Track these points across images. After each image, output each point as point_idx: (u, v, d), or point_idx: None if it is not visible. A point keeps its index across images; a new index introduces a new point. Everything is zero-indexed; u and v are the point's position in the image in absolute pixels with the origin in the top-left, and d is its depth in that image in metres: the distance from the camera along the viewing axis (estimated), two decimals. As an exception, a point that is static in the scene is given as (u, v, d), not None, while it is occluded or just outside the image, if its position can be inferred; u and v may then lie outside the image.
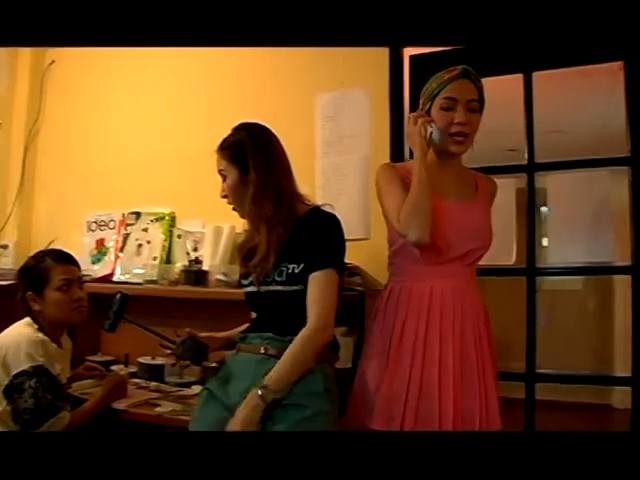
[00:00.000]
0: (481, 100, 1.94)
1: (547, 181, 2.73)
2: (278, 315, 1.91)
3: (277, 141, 2.02)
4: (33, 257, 2.36)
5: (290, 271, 1.87)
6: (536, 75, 2.57)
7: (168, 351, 2.06)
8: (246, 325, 2.06)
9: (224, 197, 2.01)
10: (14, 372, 2.09)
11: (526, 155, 2.58)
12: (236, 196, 1.97)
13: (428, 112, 1.95)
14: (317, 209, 1.96)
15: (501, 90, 2.67)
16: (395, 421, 1.83)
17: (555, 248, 2.72)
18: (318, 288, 1.82)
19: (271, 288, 1.90)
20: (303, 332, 1.79)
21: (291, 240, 1.90)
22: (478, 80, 1.94)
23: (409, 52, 2.70)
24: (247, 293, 2.02)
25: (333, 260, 1.88)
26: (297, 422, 1.74)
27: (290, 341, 1.81)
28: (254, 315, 2.07)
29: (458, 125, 1.88)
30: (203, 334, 2.05)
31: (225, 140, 2.00)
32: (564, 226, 2.72)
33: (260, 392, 1.71)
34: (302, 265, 1.86)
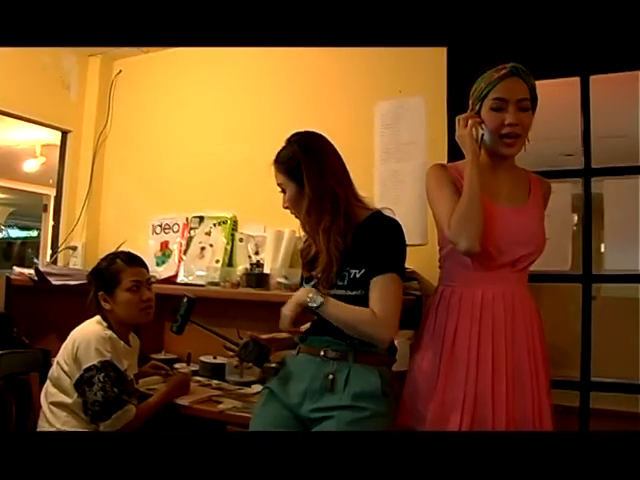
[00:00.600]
0: (533, 98, 1.89)
1: (603, 186, 2.70)
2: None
3: (331, 148, 2.02)
4: (104, 259, 2.47)
5: (352, 276, 1.89)
6: (594, 79, 2.53)
7: (231, 353, 2.13)
8: (307, 326, 2.09)
9: (286, 208, 2.04)
10: (84, 366, 2.20)
11: (583, 160, 2.55)
12: (296, 208, 2.00)
13: (478, 113, 1.91)
14: (378, 213, 1.95)
15: (559, 94, 2.67)
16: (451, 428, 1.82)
17: (612, 254, 2.70)
18: (380, 291, 1.83)
19: (332, 292, 1.90)
20: (370, 310, 1.83)
21: (352, 245, 1.91)
22: (529, 77, 1.89)
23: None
24: None
25: (394, 265, 1.88)
26: (354, 422, 1.79)
27: (349, 344, 1.87)
28: (314, 317, 2.10)
29: (509, 126, 1.83)
30: (265, 336, 2.11)
31: (279, 154, 2.02)
32: (621, 232, 2.70)
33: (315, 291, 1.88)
34: (363, 270, 1.87)
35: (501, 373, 1.81)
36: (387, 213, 1.96)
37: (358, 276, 1.88)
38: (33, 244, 9.43)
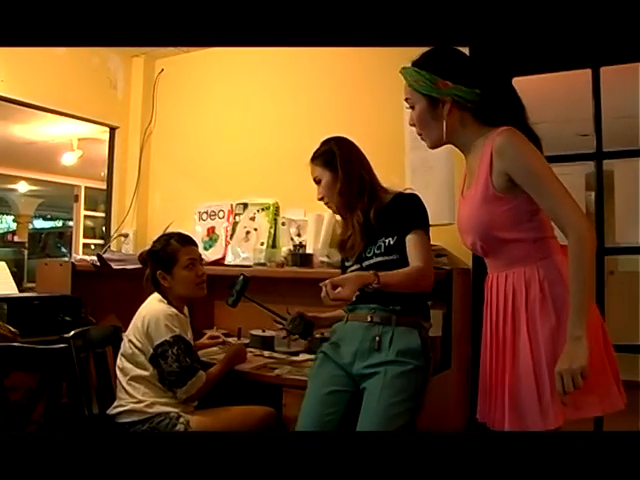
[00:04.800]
0: (423, 89, 1.85)
1: (614, 164, 2.90)
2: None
3: (357, 148, 2.40)
4: (158, 241, 2.69)
5: (387, 244, 2.23)
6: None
7: (280, 326, 2.42)
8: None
9: (320, 199, 2.42)
10: (157, 342, 2.44)
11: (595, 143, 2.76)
12: (330, 193, 2.37)
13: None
14: (400, 193, 2.33)
15: (573, 79, 2.88)
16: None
17: (623, 230, 2.91)
18: (415, 247, 2.17)
19: (372, 261, 2.24)
20: (412, 265, 2.14)
21: (382, 220, 2.25)
22: (410, 76, 1.89)
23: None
24: (352, 272, 2.28)
25: (421, 223, 2.22)
26: (399, 375, 2.08)
27: (392, 310, 2.17)
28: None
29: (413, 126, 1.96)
30: (310, 313, 2.40)
31: (317, 151, 2.41)
32: (632, 208, 2.91)
33: (373, 272, 2.06)
34: (396, 237, 2.22)
35: (486, 355, 1.90)
36: (407, 192, 2.34)
37: (392, 243, 2.22)
38: (60, 234, 9.76)
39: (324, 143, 2.42)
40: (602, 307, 2.46)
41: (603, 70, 2.77)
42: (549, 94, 3.25)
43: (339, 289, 1.98)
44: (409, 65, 1.93)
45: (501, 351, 1.81)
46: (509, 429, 1.72)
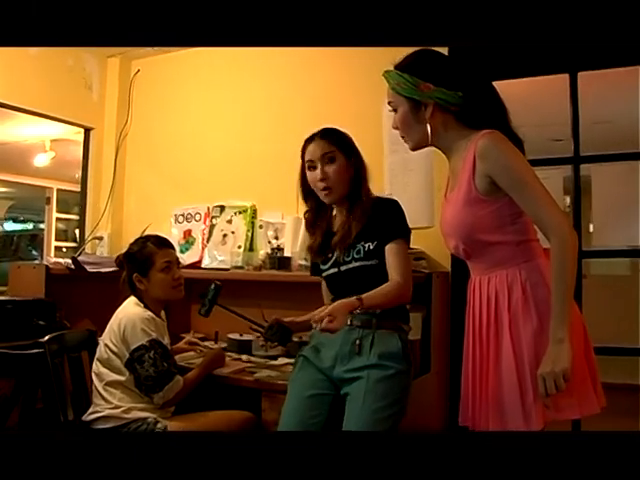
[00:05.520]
0: (405, 92, 1.85)
1: (591, 168, 2.93)
2: (359, 289, 2.10)
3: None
4: (135, 243, 2.66)
5: (367, 249, 2.21)
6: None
7: (257, 334, 2.34)
8: None
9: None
10: (133, 346, 2.41)
11: (572, 145, 2.80)
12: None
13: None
14: (380, 198, 2.34)
15: (547, 85, 2.91)
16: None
17: (599, 234, 2.95)
18: (395, 258, 2.17)
19: (351, 266, 2.23)
20: (391, 281, 2.13)
21: (364, 223, 2.23)
22: (392, 78, 1.89)
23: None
24: (328, 276, 2.33)
25: (401, 232, 2.22)
26: (381, 379, 2.08)
27: (372, 314, 2.16)
28: (331, 297, 2.35)
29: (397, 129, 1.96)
30: (287, 319, 2.31)
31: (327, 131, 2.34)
32: (608, 213, 2.94)
33: (356, 297, 2.03)
34: (375, 242, 2.20)
35: (468, 356, 1.90)
36: (385, 196, 2.39)
37: (372, 248, 2.21)
38: (29, 237, 9.62)
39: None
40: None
41: (580, 75, 2.80)
42: (525, 98, 3.27)
43: (327, 320, 1.94)
44: (391, 68, 1.92)
45: (485, 354, 1.81)
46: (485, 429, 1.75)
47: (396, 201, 2.30)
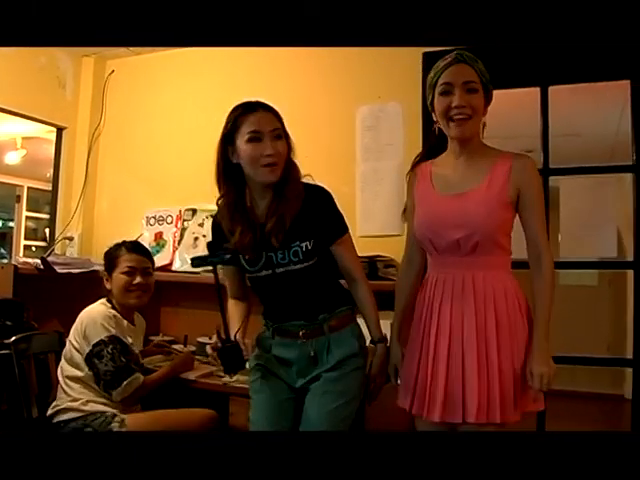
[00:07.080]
0: (484, 82, 1.94)
1: (560, 180, 2.99)
2: (296, 290, 2.06)
3: None
4: (114, 245, 2.73)
5: (304, 249, 2.00)
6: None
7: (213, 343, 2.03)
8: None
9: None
10: (93, 342, 2.45)
11: (541, 157, 2.84)
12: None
13: (432, 102, 1.99)
14: (307, 184, 2.07)
15: (517, 97, 2.95)
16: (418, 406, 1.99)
17: (567, 245, 3.00)
18: (347, 253, 2.12)
19: (289, 268, 2.02)
20: (362, 286, 2.13)
21: (296, 220, 2.01)
22: (475, 62, 1.95)
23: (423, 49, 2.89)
24: (259, 278, 2.09)
25: (344, 227, 2.10)
26: (337, 378, 2.04)
27: (322, 320, 2.07)
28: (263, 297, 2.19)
29: (456, 108, 1.90)
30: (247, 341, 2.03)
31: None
32: (576, 224, 3.00)
33: (382, 344, 2.12)
34: (313, 241, 2.01)
35: (439, 353, 1.92)
36: (307, 180, 2.09)
37: (310, 247, 2.01)
38: (0, 235, 9.46)
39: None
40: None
41: (550, 89, 2.85)
42: (495, 110, 3.33)
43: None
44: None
45: (471, 346, 1.88)
46: (476, 422, 1.83)
47: (327, 190, 2.09)
